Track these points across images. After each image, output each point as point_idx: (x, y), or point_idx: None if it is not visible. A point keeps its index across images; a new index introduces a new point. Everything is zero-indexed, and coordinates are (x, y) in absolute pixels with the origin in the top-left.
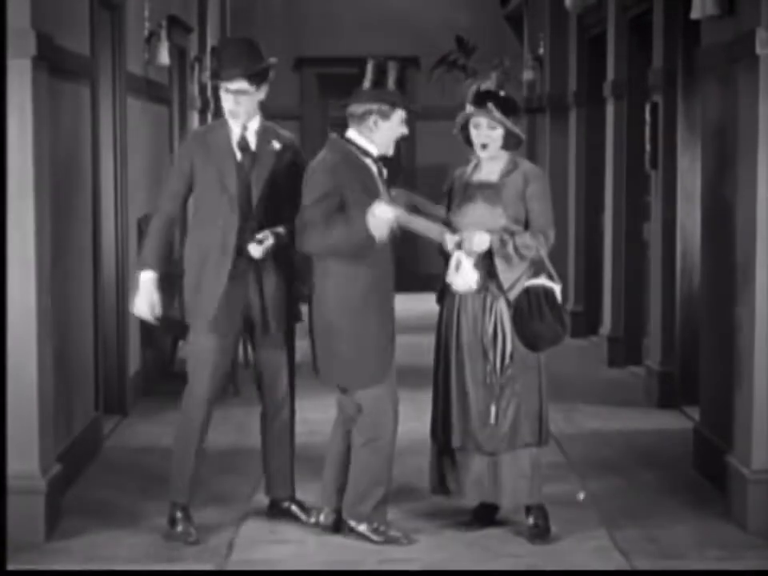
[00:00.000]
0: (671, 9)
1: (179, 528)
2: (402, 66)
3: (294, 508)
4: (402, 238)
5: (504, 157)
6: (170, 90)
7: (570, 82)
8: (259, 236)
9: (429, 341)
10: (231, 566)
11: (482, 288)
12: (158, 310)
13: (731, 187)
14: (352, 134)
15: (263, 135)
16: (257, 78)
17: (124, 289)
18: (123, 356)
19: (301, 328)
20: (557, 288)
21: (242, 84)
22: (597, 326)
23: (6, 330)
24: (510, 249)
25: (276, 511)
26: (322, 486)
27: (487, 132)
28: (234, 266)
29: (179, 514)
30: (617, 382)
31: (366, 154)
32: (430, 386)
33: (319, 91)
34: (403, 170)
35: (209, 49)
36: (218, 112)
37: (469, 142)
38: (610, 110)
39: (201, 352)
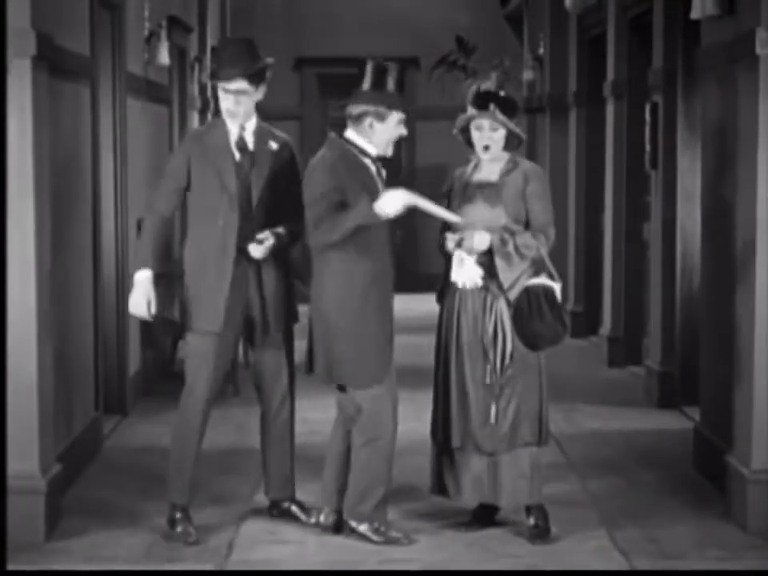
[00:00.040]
0: (671, 9)
1: (179, 528)
2: (401, 67)
3: (294, 508)
4: (403, 237)
5: (504, 156)
6: (169, 90)
7: (570, 82)
8: (260, 236)
9: (429, 341)
10: (231, 567)
11: (483, 287)
12: (154, 309)
13: (731, 187)
14: (350, 134)
15: (260, 135)
16: (256, 77)
17: (124, 289)
18: (123, 356)
19: (298, 328)
20: (557, 287)
21: (241, 84)
22: (597, 326)
23: (6, 330)
24: (511, 248)
25: (276, 511)
26: (322, 486)
27: (489, 134)
28: (234, 267)
29: (179, 515)
30: (617, 382)
31: (365, 153)
32: (430, 386)
33: (319, 91)
34: (402, 171)
35: (209, 49)
36: (219, 112)
37: (469, 143)
38: (609, 110)
39: (200, 352)
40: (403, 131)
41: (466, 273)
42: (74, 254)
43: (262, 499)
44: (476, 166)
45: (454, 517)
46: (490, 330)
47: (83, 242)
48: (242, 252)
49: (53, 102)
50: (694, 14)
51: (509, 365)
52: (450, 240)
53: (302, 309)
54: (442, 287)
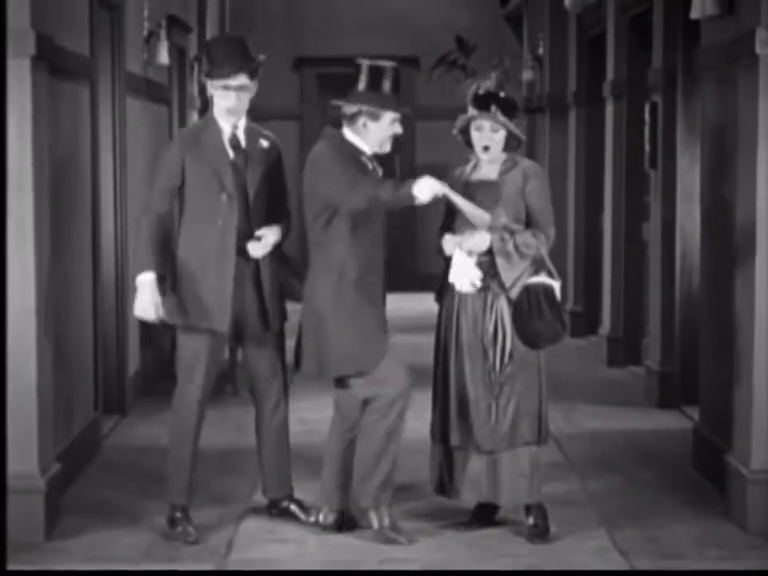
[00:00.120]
0: (671, 9)
1: (178, 528)
2: (397, 68)
3: (293, 507)
4: (403, 237)
5: (503, 156)
6: (169, 89)
7: (570, 81)
8: (258, 234)
9: (428, 341)
10: (230, 566)
11: (483, 287)
12: (161, 312)
13: (731, 187)
14: (346, 132)
15: (250, 134)
16: (254, 73)
17: (123, 289)
18: (122, 356)
19: (287, 327)
20: (556, 285)
21: (243, 80)
22: (596, 326)
23: (6, 330)
24: (511, 247)
25: (275, 510)
26: (321, 485)
27: (490, 135)
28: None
29: (178, 515)
30: (616, 381)
31: (360, 152)
32: (429, 386)
33: (319, 91)
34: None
35: None
36: (206, 110)
37: (469, 143)
38: (609, 110)
39: (194, 352)
40: (398, 129)
41: (465, 276)
42: (73, 254)
43: (261, 498)
44: (475, 166)
45: (453, 517)
46: (491, 328)
47: (83, 242)
48: (240, 251)
49: (52, 101)
50: (694, 14)
51: (508, 363)
52: (450, 242)
53: (291, 308)
54: (441, 286)
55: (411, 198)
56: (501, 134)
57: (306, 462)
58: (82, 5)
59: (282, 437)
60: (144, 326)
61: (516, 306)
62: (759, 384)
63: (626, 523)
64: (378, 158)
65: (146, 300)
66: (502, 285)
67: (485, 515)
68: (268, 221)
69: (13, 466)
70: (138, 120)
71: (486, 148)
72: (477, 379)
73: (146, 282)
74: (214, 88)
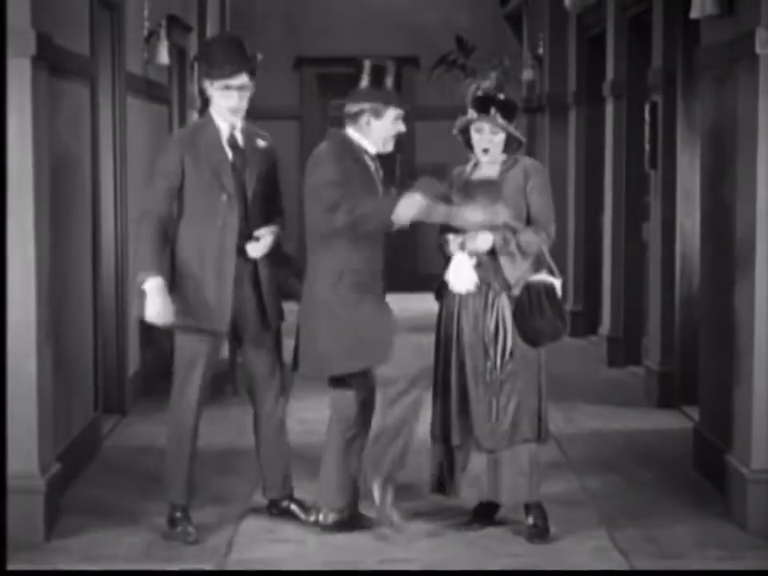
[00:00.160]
0: (671, 8)
1: (178, 528)
2: (398, 65)
3: (293, 507)
4: (403, 237)
5: (503, 156)
6: (169, 89)
7: (570, 81)
8: (257, 234)
9: (429, 340)
10: (230, 566)
11: (484, 285)
12: (171, 316)
13: (730, 187)
14: (350, 131)
15: (247, 133)
16: (253, 72)
17: (123, 289)
18: (122, 356)
19: (284, 327)
20: (557, 283)
21: (244, 79)
22: (596, 326)
23: (6, 330)
24: (513, 247)
25: (275, 510)
26: (320, 485)
27: (489, 137)
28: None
29: (178, 515)
30: (617, 381)
31: (364, 151)
32: (429, 385)
33: (319, 91)
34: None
35: None
36: (204, 110)
37: (469, 144)
38: (609, 109)
39: (192, 353)
40: (401, 127)
41: (462, 277)
42: (73, 254)
43: (261, 498)
44: (476, 165)
45: (453, 517)
46: (491, 327)
47: (83, 242)
48: (239, 251)
49: (52, 101)
50: (694, 14)
51: (509, 361)
52: (453, 242)
53: (288, 308)
54: (440, 285)
55: (394, 223)
56: (500, 137)
57: (305, 462)
58: (82, 4)
59: (281, 436)
60: (144, 326)
61: (517, 304)
62: (759, 384)
63: (626, 523)
64: (379, 157)
65: (159, 305)
66: (505, 283)
67: (485, 514)
68: (265, 220)
69: (13, 466)
70: (138, 120)
71: (486, 150)
72: (478, 377)
73: (155, 287)
74: (215, 88)
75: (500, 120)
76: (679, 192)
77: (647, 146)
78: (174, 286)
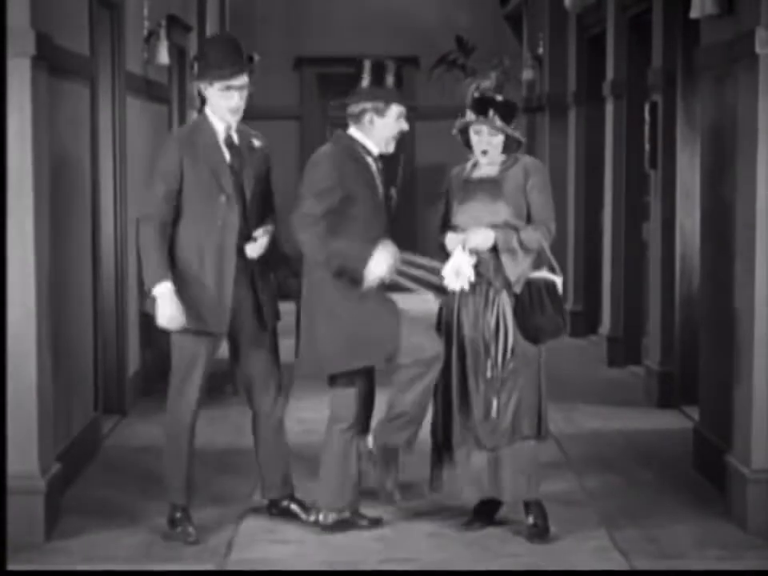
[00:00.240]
0: (671, 8)
1: (179, 528)
2: (399, 63)
3: (293, 506)
4: (403, 236)
5: (502, 157)
6: (169, 89)
7: (570, 81)
8: (255, 234)
9: None
10: (231, 566)
11: (485, 283)
12: (183, 320)
13: (730, 186)
14: (353, 131)
15: (242, 134)
16: (252, 72)
17: (123, 289)
18: (122, 356)
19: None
20: (558, 280)
21: (244, 79)
22: (596, 326)
23: (6, 330)
24: (515, 244)
25: (275, 510)
26: (319, 485)
27: (488, 138)
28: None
29: (178, 515)
30: (617, 381)
31: (367, 151)
32: None
33: (319, 91)
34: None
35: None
36: (201, 110)
37: (468, 144)
38: (609, 109)
39: (193, 354)
40: (404, 126)
41: (459, 275)
42: (73, 254)
43: (261, 498)
44: (475, 164)
45: (453, 517)
46: (492, 324)
47: (82, 242)
48: (239, 251)
49: (52, 101)
50: (694, 14)
51: (510, 359)
52: (454, 239)
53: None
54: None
55: (364, 280)
56: (499, 139)
57: (305, 462)
58: (82, 4)
59: (280, 437)
60: (144, 326)
61: (518, 301)
62: (759, 384)
63: (626, 523)
64: (382, 158)
65: (172, 310)
66: (507, 281)
67: (485, 512)
68: (262, 220)
69: (13, 466)
70: (138, 119)
71: (485, 152)
72: (478, 375)
73: (165, 293)
74: (214, 89)
75: (498, 122)
76: (679, 192)
77: (647, 146)
78: (174, 286)
